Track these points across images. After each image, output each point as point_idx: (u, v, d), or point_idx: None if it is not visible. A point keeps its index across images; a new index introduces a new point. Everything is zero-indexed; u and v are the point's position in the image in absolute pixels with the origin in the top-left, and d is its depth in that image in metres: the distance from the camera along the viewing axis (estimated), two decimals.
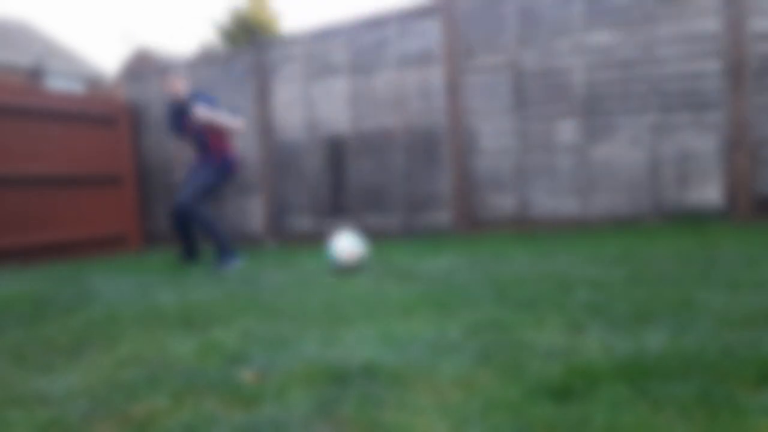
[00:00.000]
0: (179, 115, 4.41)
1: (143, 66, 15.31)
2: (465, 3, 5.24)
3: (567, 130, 4.89)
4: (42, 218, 5.80)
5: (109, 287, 3.37)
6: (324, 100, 5.95)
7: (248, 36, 14.86)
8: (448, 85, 5.33)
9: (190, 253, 4.46)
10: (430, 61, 5.41)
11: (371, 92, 5.71)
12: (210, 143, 4.27)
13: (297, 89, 6.10)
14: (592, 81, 4.78)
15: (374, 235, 4.91)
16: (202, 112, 4.08)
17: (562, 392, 1.27)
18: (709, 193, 4.45)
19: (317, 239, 5.86)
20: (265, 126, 6.27)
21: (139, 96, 7.00)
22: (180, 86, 4.35)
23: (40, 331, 2.24)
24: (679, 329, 1.69)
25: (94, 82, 19.82)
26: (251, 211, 6.45)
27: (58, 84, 17.95)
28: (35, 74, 18.13)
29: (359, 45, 5.74)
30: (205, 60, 6.91)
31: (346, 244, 3.46)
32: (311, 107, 6.03)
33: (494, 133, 5.18)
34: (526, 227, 5.03)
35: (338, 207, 5.97)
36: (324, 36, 5.93)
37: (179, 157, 6.62)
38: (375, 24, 5.66)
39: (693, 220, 4.37)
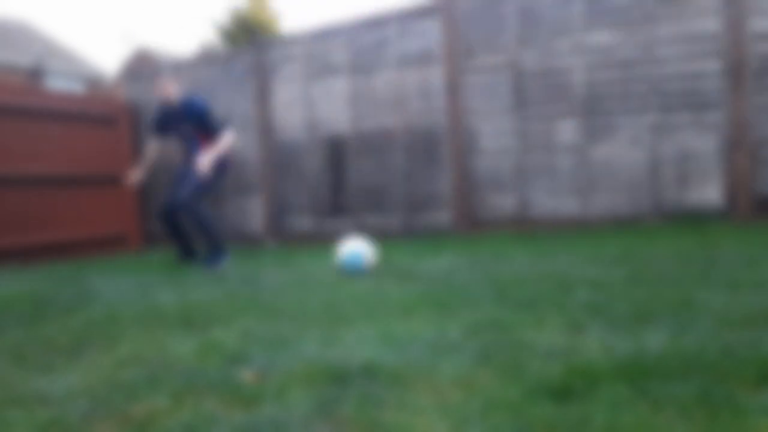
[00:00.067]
0: (166, 119, 4.42)
1: (143, 66, 15.32)
2: (465, 3, 5.24)
3: (567, 130, 4.89)
4: (42, 218, 5.80)
5: (109, 287, 3.36)
6: (324, 100, 5.95)
7: (248, 36, 14.86)
8: (448, 85, 5.33)
9: (187, 252, 4.46)
10: (430, 61, 5.41)
11: (371, 92, 5.71)
12: (202, 144, 4.29)
13: (297, 89, 6.10)
14: (592, 81, 4.78)
15: (374, 235, 4.91)
16: (204, 164, 4.09)
17: (562, 392, 1.27)
18: (709, 193, 4.45)
19: (317, 239, 5.86)
20: (265, 126, 6.27)
21: (139, 96, 7.00)
22: (171, 90, 4.34)
23: (40, 331, 2.24)
24: (679, 329, 1.69)
25: (94, 82, 19.83)
26: (251, 211, 6.45)
27: (58, 84, 17.96)
28: (35, 74, 18.14)
29: (359, 45, 5.74)
30: (205, 60, 6.91)
31: (368, 249, 3.39)
32: (311, 107, 6.03)
33: (494, 133, 5.18)
34: (526, 227, 5.03)
35: (338, 207, 5.97)
36: (324, 36, 5.93)
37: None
38: (375, 24, 5.66)
39: (693, 220, 4.37)
